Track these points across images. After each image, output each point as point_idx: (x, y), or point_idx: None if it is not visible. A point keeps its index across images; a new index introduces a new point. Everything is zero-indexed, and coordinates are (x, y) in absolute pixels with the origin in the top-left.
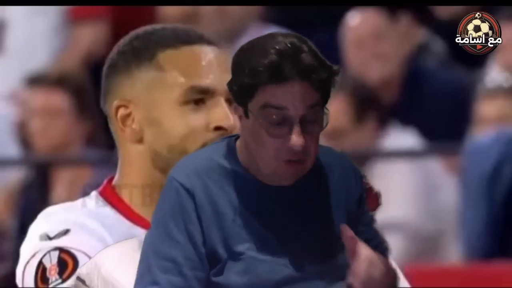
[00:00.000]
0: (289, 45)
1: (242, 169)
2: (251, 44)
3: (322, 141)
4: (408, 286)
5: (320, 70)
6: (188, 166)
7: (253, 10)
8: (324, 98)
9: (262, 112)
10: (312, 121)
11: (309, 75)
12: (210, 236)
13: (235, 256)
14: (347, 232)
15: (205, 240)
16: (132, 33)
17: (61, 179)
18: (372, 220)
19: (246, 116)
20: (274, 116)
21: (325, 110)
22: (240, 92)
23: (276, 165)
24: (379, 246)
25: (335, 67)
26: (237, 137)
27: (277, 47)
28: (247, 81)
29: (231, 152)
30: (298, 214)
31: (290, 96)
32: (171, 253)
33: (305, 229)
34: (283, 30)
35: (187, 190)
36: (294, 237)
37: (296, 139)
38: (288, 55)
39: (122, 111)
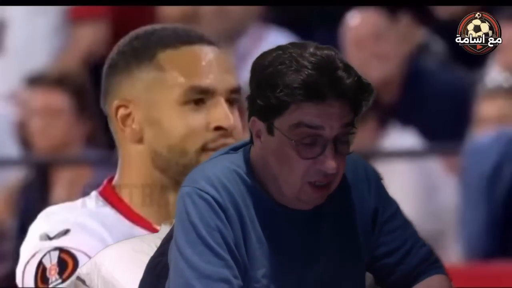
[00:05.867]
0: (324, 57)
1: (260, 188)
2: (278, 56)
3: None
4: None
5: (360, 89)
6: (211, 177)
7: (253, 10)
8: (357, 116)
9: (294, 130)
10: (344, 141)
11: (350, 96)
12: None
13: (250, 280)
14: None
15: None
16: (132, 33)
17: (61, 179)
18: (401, 226)
19: (270, 133)
20: (307, 136)
21: (354, 130)
22: (268, 109)
23: (300, 187)
24: (412, 251)
25: (369, 84)
26: (249, 148)
27: (312, 59)
28: (280, 97)
29: (248, 168)
30: (312, 240)
31: (327, 116)
32: (221, 273)
33: (318, 258)
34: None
35: (219, 204)
36: (306, 265)
37: (330, 162)
38: (325, 71)
39: (122, 111)
